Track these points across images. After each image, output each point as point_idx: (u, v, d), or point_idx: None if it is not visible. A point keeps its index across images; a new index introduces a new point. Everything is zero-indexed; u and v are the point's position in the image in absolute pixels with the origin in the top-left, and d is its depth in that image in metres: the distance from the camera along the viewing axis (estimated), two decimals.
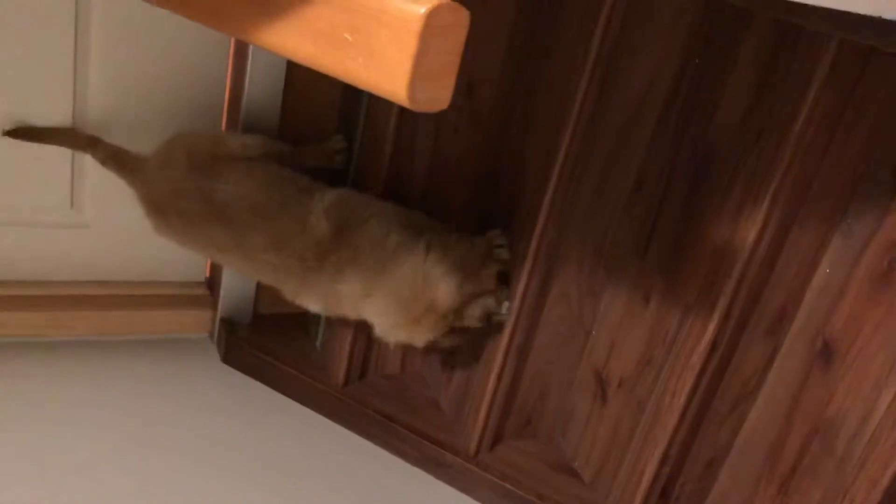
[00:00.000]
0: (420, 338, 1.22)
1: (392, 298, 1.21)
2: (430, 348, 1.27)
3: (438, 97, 0.57)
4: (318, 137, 1.45)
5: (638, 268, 1.27)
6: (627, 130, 1.23)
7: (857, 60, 1.04)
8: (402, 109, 1.29)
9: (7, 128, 1.31)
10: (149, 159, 1.30)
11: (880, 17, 0.74)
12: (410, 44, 0.54)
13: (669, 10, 1.15)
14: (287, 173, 1.30)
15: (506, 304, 1.30)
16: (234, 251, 1.26)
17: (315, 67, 0.60)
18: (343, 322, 1.38)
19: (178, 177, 1.26)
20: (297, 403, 1.48)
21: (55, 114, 1.35)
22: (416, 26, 0.54)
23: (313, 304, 1.27)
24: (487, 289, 1.25)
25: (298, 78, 1.43)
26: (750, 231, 1.11)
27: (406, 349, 1.51)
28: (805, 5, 0.80)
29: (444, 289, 1.19)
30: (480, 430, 1.37)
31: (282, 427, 1.43)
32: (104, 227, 1.48)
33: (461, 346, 1.31)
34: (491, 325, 1.29)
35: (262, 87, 1.41)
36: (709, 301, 1.16)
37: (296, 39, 0.60)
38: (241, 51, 1.41)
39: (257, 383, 1.51)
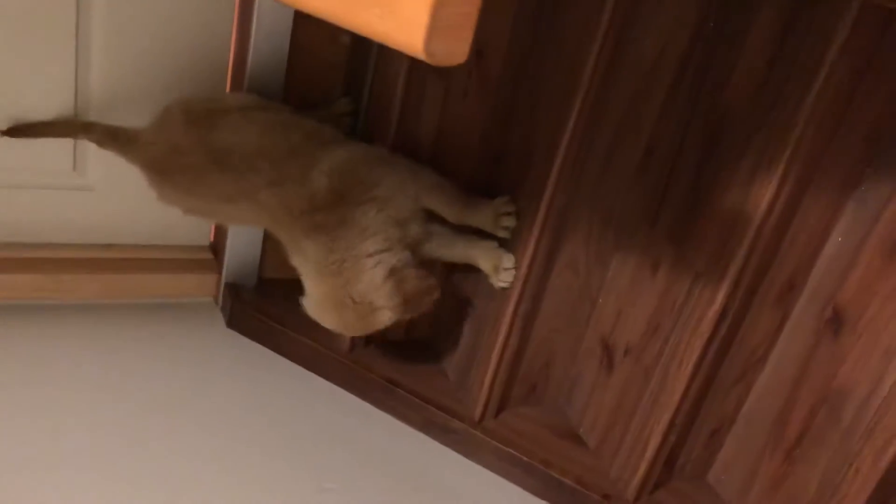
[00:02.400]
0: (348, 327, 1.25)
1: (334, 292, 1.21)
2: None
3: (456, 51, 0.56)
4: (323, 101, 1.44)
5: (647, 235, 1.26)
6: (639, 96, 1.21)
7: (877, 25, 1.02)
8: (411, 73, 1.28)
9: (4, 128, 1.31)
10: (145, 128, 1.30)
11: None
12: None
13: None
14: (291, 119, 1.28)
15: (511, 272, 1.29)
16: (238, 199, 1.24)
17: (328, 19, 0.59)
18: None
19: (176, 135, 1.25)
20: (303, 368, 1.47)
21: (58, 84, 1.33)
22: None
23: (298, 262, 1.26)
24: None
25: (304, 41, 1.41)
26: (762, 199, 1.10)
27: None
28: None
29: (381, 321, 1.22)
30: (486, 396, 1.37)
31: (287, 392, 1.43)
32: (108, 189, 1.47)
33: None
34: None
35: (266, 50, 1.39)
36: (718, 269, 1.15)
37: None
38: (245, 14, 1.39)
39: (262, 348, 1.50)
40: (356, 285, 1.19)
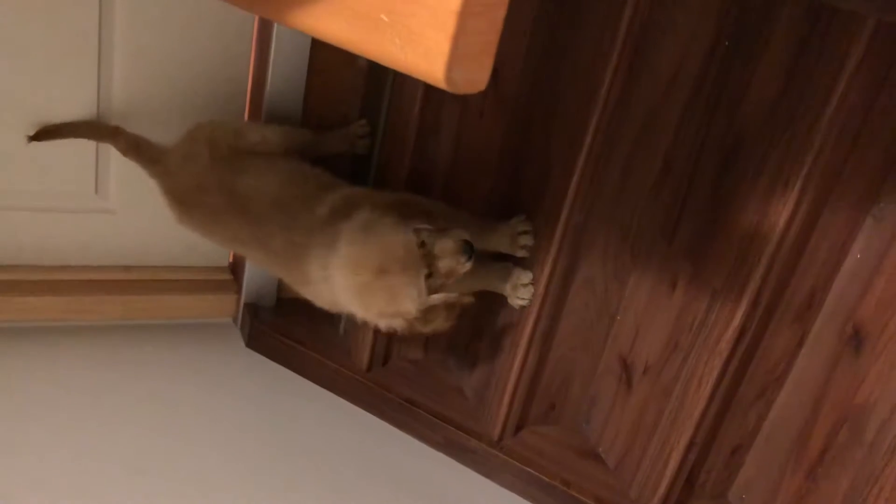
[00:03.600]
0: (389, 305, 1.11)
1: (354, 276, 1.11)
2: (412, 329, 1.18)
3: (476, 78, 0.56)
4: (341, 123, 1.45)
5: (665, 253, 1.26)
6: (655, 113, 1.21)
7: (891, 43, 1.02)
8: (427, 94, 1.29)
9: (30, 134, 1.32)
10: (170, 151, 1.30)
11: None
12: (449, 24, 0.53)
13: None
14: (310, 170, 1.29)
15: (529, 288, 1.29)
16: (251, 244, 1.25)
17: (350, 49, 0.60)
18: None
19: (200, 171, 1.26)
20: (321, 388, 1.48)
21: (80, 102, 1.35)
22: (454, 6, 0.53)
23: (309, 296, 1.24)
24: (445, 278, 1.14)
25: (322, 63, 1.42)
26: (780, 216, 1.10)
27: (429, 335, 1.51)
28: None
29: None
30: (504, 415, 1.36)
31: (306, 411, 1.43)
32: (129, 212, 1.49)
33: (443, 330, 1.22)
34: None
35: (285, 72, 1.41)
36: (737, 286, 1.15)
37: (331, 20, 0.59)
38: (264, 36, 1.41)
39: (281, 368, 1.51)
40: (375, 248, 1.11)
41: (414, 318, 1.12)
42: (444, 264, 1.11)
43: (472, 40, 0.54)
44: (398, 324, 1.13)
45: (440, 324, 1.18)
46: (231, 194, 1.24)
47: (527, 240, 1.29)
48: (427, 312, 1.13)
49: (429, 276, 1.11)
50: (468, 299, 1.20)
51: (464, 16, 0.53)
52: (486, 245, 1.29)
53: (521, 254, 1.30)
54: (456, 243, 1.11)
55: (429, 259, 1.11)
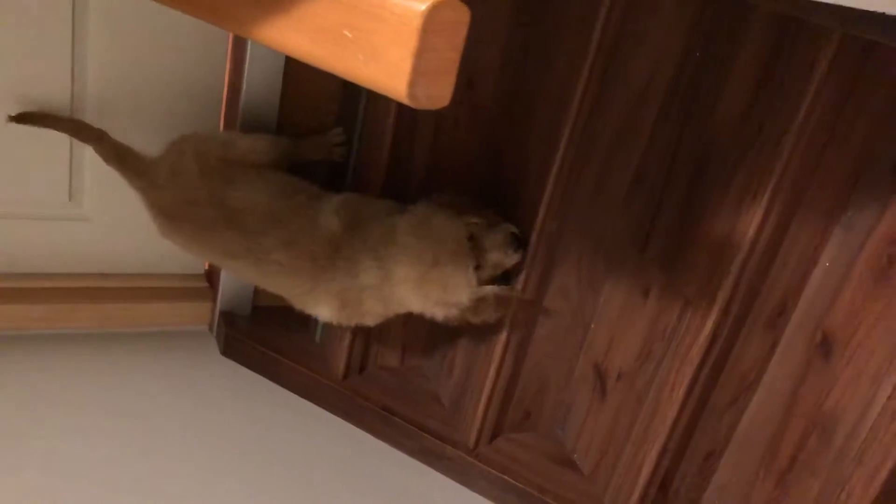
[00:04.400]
0: (456, 295, 1.18)
1: (412, 267, 1.19)
2: (475, 321, 1.24)
3: (439, 95, 0.57)
4: (317, 130, 1.45)
5: (637, 261, 1.27)
6: (628, 123, 1.22)
7: (858, 54, 1.04)
8: (402, 103, 1.29)
9: (12, 114, 1.29)
10: (156, 164, 1.29)
11: (885, 13, 0.73)
12: (411, 41, 0.54)
13: (671, 2, 1.15)
14: (299, 182, 1.30)
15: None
16: (244, 257, 1.25)
17: (314, 64, 0.60)
18: None
19: (190, 185, 1.25)
20: (298, 396, 1.48)
21: (52, 107, 1.34)
22: (416, 23, 0.53)
23: (325, 308, 1.26)
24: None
25: (298, 71, 1.42)
26: (750, 225, 1.11)
27: (406, 342, 1.51)
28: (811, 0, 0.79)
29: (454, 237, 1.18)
30: (480, 422, 1.37)
31: (282, 420, 1.43)
32: (103, 220, 1.48)
33: (503, 317, 1.28)
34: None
35: (261, 79, 1.41)
36: (708, 295, 1.16)
37: (295, 36, 0.59)
38: (239, 42, 1.41)
39: (257, 376, 1.51)
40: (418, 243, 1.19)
41: (465, 308, 1.19)
42: (492, 256, 1.19)
43: (435, 57, 0.55)
44: (453, 313, 1.19)
45: (490, 315, 1.23)
46: (222, 207, 1.24)
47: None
48: (478, 303, 1.19)
49: (477, 267, 1.18)
50: (523, 294, 1.27)
51: (426, 33, 0.54)
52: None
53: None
54: (505, 236, 1.20)
55: (478, 251, 1.18)
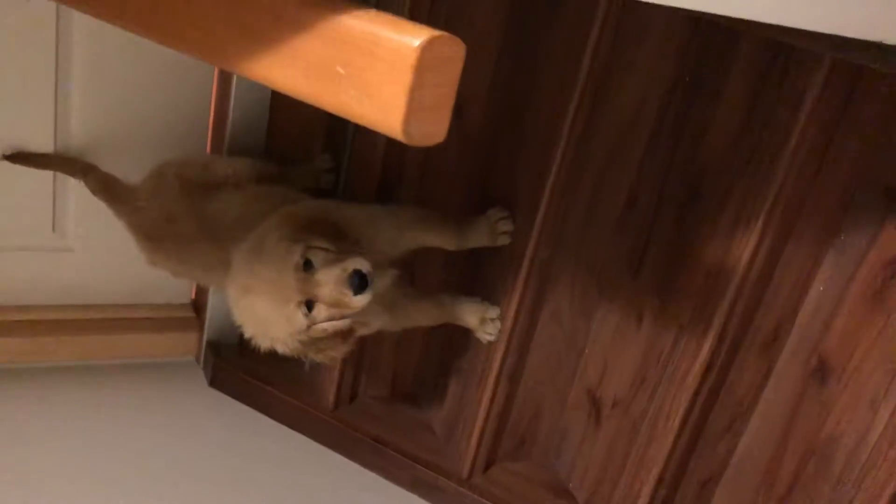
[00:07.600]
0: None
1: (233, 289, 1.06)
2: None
3: (434, 131, 0.56)
4: (305, 158, 1.44)
5: (631, 287, 1.26)
6: (618, 150, 1.22)
7: (847, 78, 1.04)
8: None
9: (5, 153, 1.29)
10: (138, 189, 1.28)
11: (880, 42, 0.73)
12: (405, 77, 0.52)
13: (659, 29, 1.15)
14: (277, 189, 1.27)
15: (496, 323, 1.29)
16: (216, 268, 1.23)
17: (307, 101, 0.59)
18: None
19: (170, 202, 1.24)
20: (287, 427, 1.45)
21: (36, 140, 1.32)
22: (410, 59, 0.52)
23: None
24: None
25: (285, 98, 1.39)
26: (743, 250, 1.11)
27: (396, 370, 1.49)
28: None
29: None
30: (473, 452, 1.35)
31: (271, 452, 1.40)
32: (87, 250, 1.45)
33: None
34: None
35: (247, 107, 1.40)
36: (703, 321, 1.15)
37: (286, 72, 0.58)
38: (226, 73, 1.39)
39: (246, 407, 1.48)
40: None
41: (301, 344, 1.01)
42: (325, 293, 0.97)
43: (429, 93, 0.54)
44: (287, 349, 1.02)
45: (334, 353, 1.07)
46: (200, 219, 1.22)
47: (506, 225, 1.25)
48: (317, 341, 1.02)
49: (310, 303, 0.99)
50: (363, 329, 1.08)
51: (420, 69, 0.52)
52: (466, 243, 1.26)
53: (502, 241, 1.25)
54: (342, 272, 0.97)
55: (310, 285, 0.98)
